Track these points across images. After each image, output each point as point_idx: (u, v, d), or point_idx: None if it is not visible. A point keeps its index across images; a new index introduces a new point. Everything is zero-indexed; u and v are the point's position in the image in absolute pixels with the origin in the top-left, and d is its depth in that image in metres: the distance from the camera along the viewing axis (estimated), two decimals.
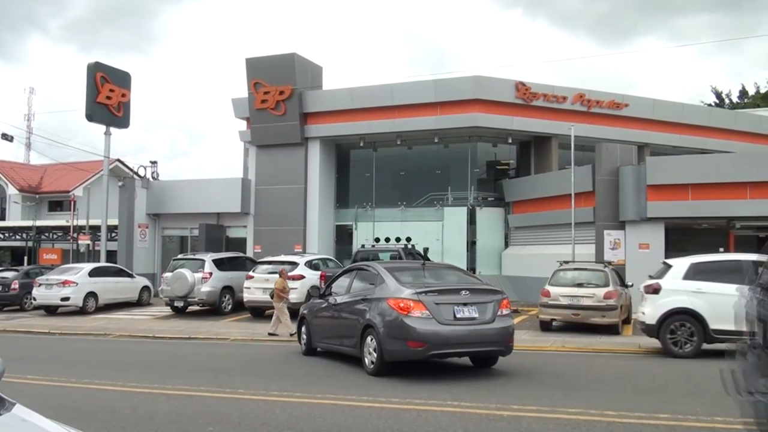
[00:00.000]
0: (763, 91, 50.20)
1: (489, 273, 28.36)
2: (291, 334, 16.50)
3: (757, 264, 13.76)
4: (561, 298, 17.38)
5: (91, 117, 29.38)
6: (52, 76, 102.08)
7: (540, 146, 29.44)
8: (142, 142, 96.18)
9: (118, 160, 42.07)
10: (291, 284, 20.95)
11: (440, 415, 8.14)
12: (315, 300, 14.00)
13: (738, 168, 21.91)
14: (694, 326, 13.25)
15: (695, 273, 13.63)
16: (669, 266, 14.37)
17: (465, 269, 16.31)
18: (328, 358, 12.90)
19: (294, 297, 21.00)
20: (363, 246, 24.11)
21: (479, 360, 11.91)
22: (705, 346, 13.37)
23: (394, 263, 15.71)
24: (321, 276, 20.25)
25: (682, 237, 22.42)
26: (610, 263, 19.86)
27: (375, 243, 23.33)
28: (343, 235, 31.17)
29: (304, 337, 13.86)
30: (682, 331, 13.34)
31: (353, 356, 11.96)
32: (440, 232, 28.97)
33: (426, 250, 24.11)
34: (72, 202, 37.46)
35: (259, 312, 21.64)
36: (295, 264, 21.78)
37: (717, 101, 51.51)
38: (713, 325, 13.09)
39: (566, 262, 19.48)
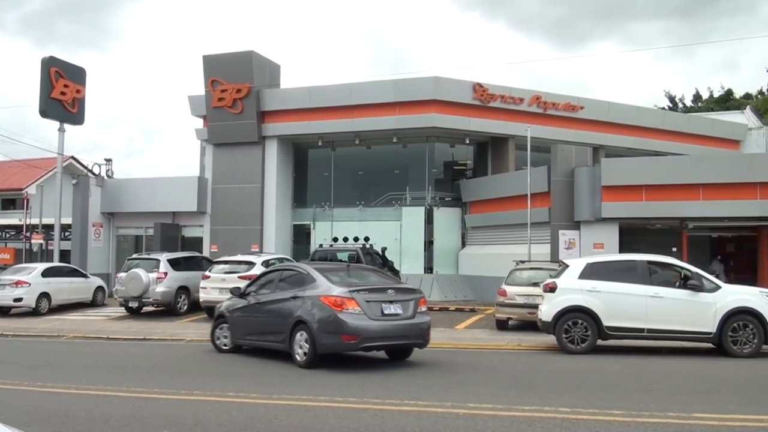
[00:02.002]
0: (716, 95, 51.21)
1: (446, 272, 28.56)
2: None
3: (650, 264, 14.27)
4: (517, 297, 17.57)
5: (44, 113, 28.77)
6: (5, 70, 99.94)
7: (497, 147, 29.67)
8: (98, 140, 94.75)
9: (73, 158, 41.28)
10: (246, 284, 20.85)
11: (397, 414, 8.16)
12: (235, 299, 14.21)
13: (691, 170, 22.33)
14: (589, 323, 13.72)
15: (591, 273, 14.11)
16: (567, 266, 14.74)
17: (382, 270, 16.58)
18: (257, 356, 12.85)
19: None
20: (321, 246, 24.05)
21: (395, 353, 12.78)
22: (600, 342, 13.85)
23: (321, 264, 15.97)
24: None
25: (635, 237, 22.78)
26: (564, 263, 20.09)
27: (333, 243, 23.31)
28: (301, 235, 31.04)
29: (227, 334, 14.05)
30: (578, 328, 13.75)
31: (281, 351, 12.46)
32: (398, 231, 29.03)
33: (384, 249, 24.15)
34: (25, 201, 36.69)
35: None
36: (251, 264, 21.61)
37: (670, 105, 52.42)
38: (607, 322, 13.64)
39: (522, 262, 19.68)
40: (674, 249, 21.87)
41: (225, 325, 14.09)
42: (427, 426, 7.54)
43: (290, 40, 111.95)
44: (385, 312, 11.66)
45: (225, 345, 14.06)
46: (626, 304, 13.68)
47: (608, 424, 7.57)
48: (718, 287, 13.64)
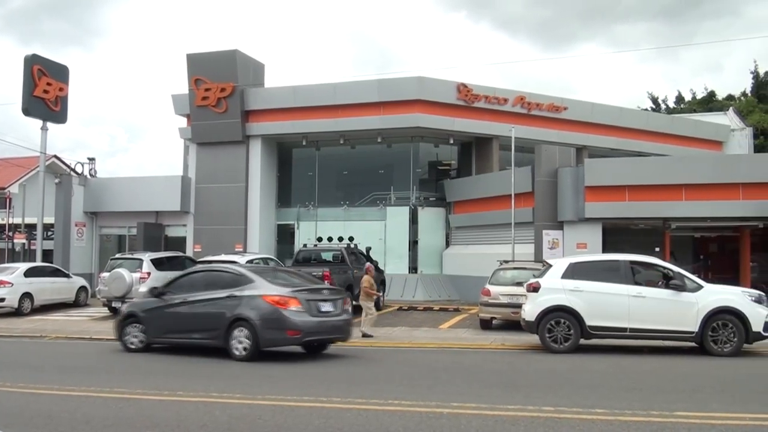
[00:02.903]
0: (699, 97, 51.50)
1: (430, 272, 28.59)
2: (364, 335, 16.33)
3: (633, 264, 14.40)
4: (501, 297, 17.63)
5: (27, 111, 28.49)
6: None
7: (481, 147, 29.73)
8: (81, 138, 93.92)
9: (55, 156, 40.93)
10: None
11: (381, 414, 8.17)
12: (148, 299, 14.61)
13: (674, 170, 22.46)
14: (571, 323, 13.85)
15: (574, 272, 14.25)
16: (550, 266, 14.84)
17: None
18: (181, 354, 12.84)
19: None
20: (305, 245, 23.99)
21: (312, 348, 13.76)
22: (583, 342, 13.98)
23: (250, 266, 16.45)
24: None
25: (619, 237, 22.89)
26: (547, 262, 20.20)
27: (317, 242, 23.24)
28: (285, 235, 30.98)
29: (138, 333, 14.26)
30: (561, 328, 13.86)
31: (210, 347, 13.21)
32: (383, 231, 29.04)
33: (368, 249, 24.14)
34: (7, 200, 36.37)
35: None
36: (235, 263, 21.54)
37: (653, 106, 52.66)
38: (590, 321, 13.78)
39: (506, 262, 19.75)
40: (657, 249, 22.01)
41: (136, 324, 14.30)
42: (411, 425, 7.54)
43: (275, 39, 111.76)
44: (321, 310, 13.04)
45: (134, 344, 14.28)
46: (609, 303, 13.77)
47: (592, 423, 7.60)
48: (700, 287, 13.76)
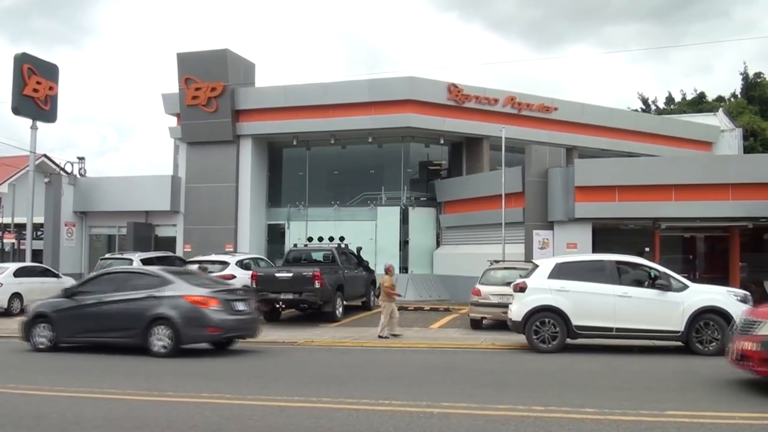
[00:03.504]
0: (689, 98, 51.71)
1: (421, 272, 28.60)
2: (380, 336, 16.33)
3: (619, 264, 14.47)
4: (491, 297, 17.66)
5: (17, 110, 28.35)
6: None
7: (471, 147, 29.76)
8: (71, 138, 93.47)
9: (45, 156, 40.73)
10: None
11: (371, 413, 8.16)
12: (59, 299, 14.97)
13: (664, 171, 22.53)
14: (558, 323, 13.93)
15: (560, 273, 14.32)
16: (537, 266, 14.90)
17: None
18: (99, 352, 12.82)
19: None
20: (295, 245, 23.95)
21: (219, 344, 14.58)
22: (571, 342, 14.07)
23: (167, 268, 16.62)
24: (252, 275, 20.03)
25: (608, 237, 22.95)
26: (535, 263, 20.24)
27: (308, 242, 23.21)
28: (276, 235, 30.93)
29: (47, 333, 14.57)
30: (547, 328, 13.94)
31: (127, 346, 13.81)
32: (373, 231, 29.03)
33: (359, 249, 24.13)
34: None
35: None
36: (225, 264, 21.54)
37: (643, 107, 52.84)
38: (576, 321, 13.85)
39: (496, 262, 19.78)
40: (647, 249, 22.08)
41: (45, 324, 14.59)
42: (401, 425, 7.54)
43: (265, 38, 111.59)
44: (237, 309, 14.00)
45: (42, 344, 14.54)
46: (595, 303, 13.83)
47: (581, 423, 7.62)
48: (686, 287, 13.85)
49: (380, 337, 16.32)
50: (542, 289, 14.15)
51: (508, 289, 16.99)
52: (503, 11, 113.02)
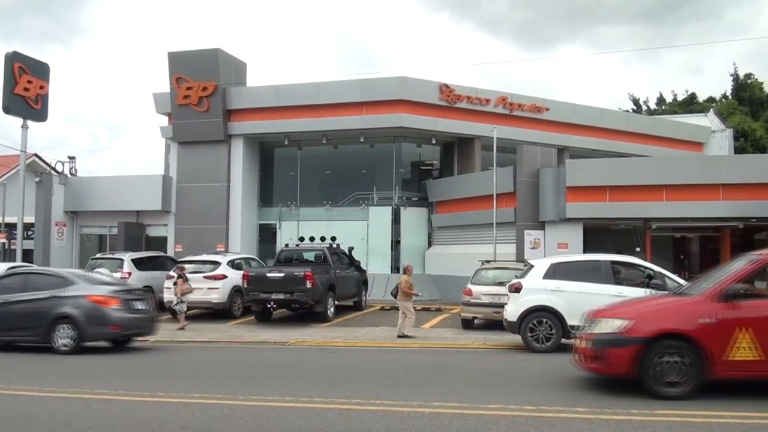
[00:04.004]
0: (680, 98, 51.92)
1: (413, 272, 28.52)
2: (399, 336, 16.25)
3: (614, 264, 14.46)
4: (483, 297, 17.66)
5: (7, 109, 28.17)
6: None
7: (463, 147, 29.79)
8: (61, 137, 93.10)
9: (36, 155, 40.53)
10: (212, 284, 20.69)
11: (363, 413, 8.16)
12: None
13: (654, 171, 22.60)
14: (553, 322, 13.98)
15: (555, 273, 14.37)
16: (532, 266, 14.93)
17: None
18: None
19: (215, 297, 20.76)
20: (287, 245, 23.92)
21: (117, 342, 15.22)
22: (564, 341, 13.95)
23: (71, 269, 17.82)
24: (243, 276, 20.00)
25: (599, 237, 23.02)
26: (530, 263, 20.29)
27: (299, 242, 23.20)
28: (267, 235, 30.90)
29: None
30: (542, 328, 14.00)
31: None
32: (365, 231, 29.03)
33: (351, 249, 24.12)
34: None
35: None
36: (217, 264, 21.49)
37: (634, 108, 53.03)
38: (571, 321, 13.78)
39: (488, 262, 19.79)
40: (638, 249, 22.14)
41: None
42: (392, 425, 7.54)
43: (257, 38, 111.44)
44: (135, 308, 14.72)
45: None
46: (589, 303, 13.79)
47: (572, 422, 7.64)
48: (681, 287, 13.81)
49: (400, 336, 16.24)
50: (537, 289, 14.18)
51: (500, 289, 17.04)
52: (495, 11, 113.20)
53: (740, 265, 9.72)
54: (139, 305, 14.91)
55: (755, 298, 9.33)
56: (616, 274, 14.27)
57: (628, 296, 13.69)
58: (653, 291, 13.72)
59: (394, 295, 17.33)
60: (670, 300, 10.24)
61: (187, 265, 21.43)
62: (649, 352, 8.95)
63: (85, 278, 15.24)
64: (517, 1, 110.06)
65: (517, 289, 14.42)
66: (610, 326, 9.44)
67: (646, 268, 14.52)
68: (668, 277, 14.03)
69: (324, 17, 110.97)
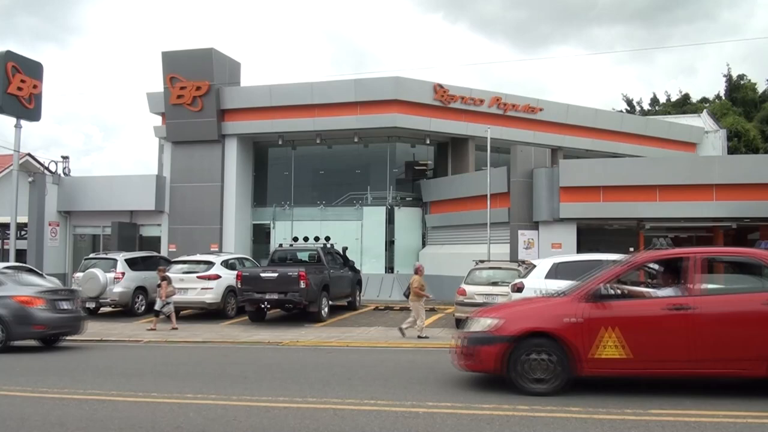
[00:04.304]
0: (673, 99, 52.09)
1: (407, 272, 28.53)
2: (419, 337, 16.23)
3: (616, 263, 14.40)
4: (476, 297, 17.64)
5: (0, 108, 28.12)
6: None
7: (457, 148, 29.83)
8: (55, 136, 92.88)
9: (29, 155, 40.42)
10: (206, 284, 20.67)
11: (357, 413, 8.16)
12: None
13: (648, 171, 22.66)
14: None
15: (557, 272, 14.31)
16: (534, 266, 14.88)
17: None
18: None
19: (209, 297, 20.73)
20: (281, 245, 23.91)
21: (46, 340, 15.64)
22: None
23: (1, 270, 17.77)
24: (237, 276, 19.98)
25: (593, 237, 23.06)
26: (524, 262, 20.31)
27: (293, 242, 23.18)
28: (261, 235, 30.87)
29: None
30: None
31: None
32: (359, 231, 29.03)
33: (345, 249, 24.12)
34: None
35: (174, 313, 21.21)
36: (210, 264, 21.46)
37: (628, 108, 53.18)
38: None
39: (482, 261, 19.79)
40: (632, 249, 22.17)
41: None
42: (386, 425, 7.54)
43: (251, 38, 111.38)
44: (61, 308, 15.05)
45: None
46: None
47: (566, 421, 7.65)
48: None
49: (419, 337, 16.21)
50: (539, 289, 14.11)
51: (494, 289, 17.06)
52: (489, 12, 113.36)
53: (614, 265, 10.05)
54: (65, 305, 15.24)
55: (624, 299, 9.66)
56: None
57: None
58: (656, 290, 13.63)
59: (407, 296, 17.29)
60: (545, 300, 10.50)
61: (180, 265, 21.42)
62: (516, 350, 9.21)
63: (13, 279, 15.79)
64: (511, 1, 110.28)
65: (519, 289, 14.40)
66: (481, 325, 9.74)
67: (649, 267, 14.45)
68: None
69: (318, 17, 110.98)
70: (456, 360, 10.05)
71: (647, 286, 10.61)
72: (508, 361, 9.22)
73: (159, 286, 19.18)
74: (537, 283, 14.23)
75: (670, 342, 9.03)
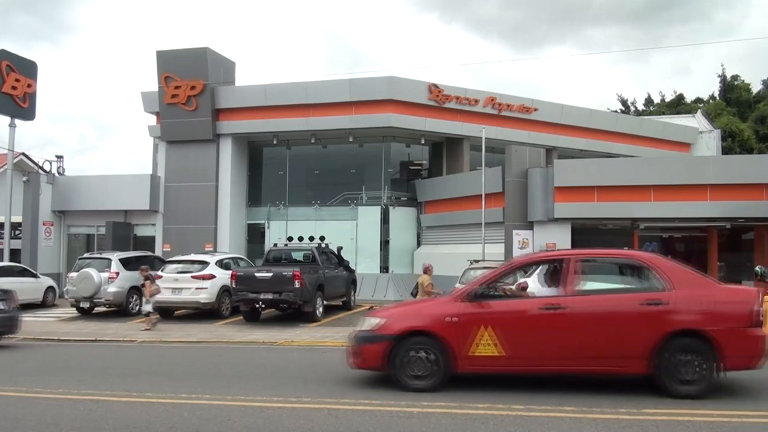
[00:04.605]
0: (668, 99, 52.18)
1: (401, 272, 28.60)
2: None
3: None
4: None
5: None
6: None
7: (452, 147, 29.83)
8: (50, 136, 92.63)
9: (23, 154, 40.30)
10: (201, 284, 20.62)
11: (351, 413, 8.16)
12: None
13: (642, 172, 22.72)
14: None
15: None
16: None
17: None
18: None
19: (204, 297, 20.68)
20: (275, 245, 23.87)
21: None
22: None
23: None
24: (232, 275, 19.94)
25: (588, 237, 23.09)
26: None
27: (288, 242, 23.14)
28: (256, 234, 30.83)
29: None
30: None
31: None
32: (354, 231, 29.00)
33: (340, 249, 24.09)
34: None
35: (168, 313, 21.19)
36: (205, 263, 21.40)
37: (623, 108, 53.27)
38: None
39: (476, 261, 19.80)
40: (625, 248, 22.20)
41: None
42: (381, 425, 7.55)
43: (246, 37, 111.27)
44: None
45: None
46: None
47: (560, 421, 7.67)
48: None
49: None
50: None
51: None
52: (484, 12, 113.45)
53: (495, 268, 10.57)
54: (2, 305, 15.57)
55: (502, 299, 10.05)
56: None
57: None
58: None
59: (414, 295, 17.25)
60: (429, 301, 11.29)
61: (174, 265, 21.39)
62: (397, 348, 9.56)
63: None
64: (507, 1, 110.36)
65: (523, 288, 14.36)
66: (368, 324, 10.08)
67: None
68: None
69: (313, 17, 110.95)
70: (347, 359, 10.29)
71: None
72: (390, 359, 9.60)
73: (142, 285, 19.19)
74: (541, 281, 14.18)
75: (543, 340, 9.38)
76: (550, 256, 10.90)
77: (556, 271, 10.23)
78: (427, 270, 17.45)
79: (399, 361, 9.53)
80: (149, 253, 25.65)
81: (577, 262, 9.79)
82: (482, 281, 10.06)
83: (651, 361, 8.96)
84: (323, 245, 22.70)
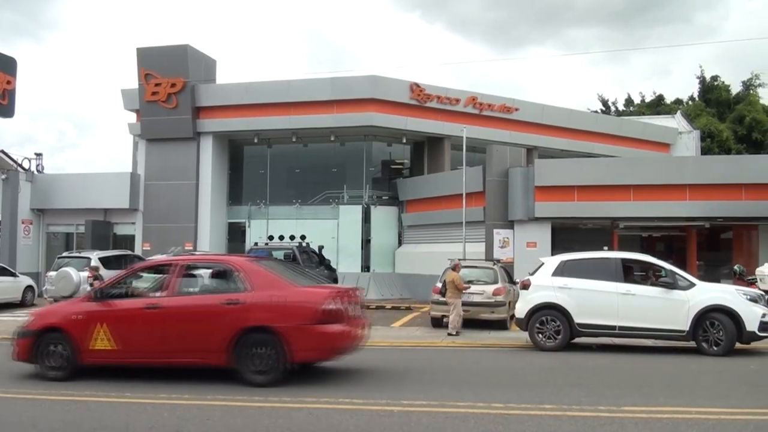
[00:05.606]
0: (648, 100, 52.48)
1: (383, 271, 28.61)
2: (449, 334, 16.06)
3: (624, 261, 14.49)
4: None
5: None
6: None
7: (433, 147, 29.86)
8: (29, 133, 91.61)
9: (2, 151, 39.89)
10: None
11: (332, 412, 8.15)
12: None
13: (622, 171, 22.85)
14: (560, 320, 13.82)
15: (564, 270, 14.26)
16: (543, 264, 14.94)
17: None
18: None
19: None
20: (256, 244, 23.80)
21: None
22: (576, 339, 13.98)
23: None
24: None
25: (568, 236, 23.20)
26: (499, 261, 20.42)
27: (268, 241, 23.08)
28: (236, 233, 30.68)
29: None
30: (551, 325, 13.87)
31: None
32: (335, 230, 28.95)
33: (321, 248, 24.07)
34: None
35: None
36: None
37: (603, 108, 53.50)
38: (578, 319, 13.72)
39: (459, 260, 19.80)
40: (605, 248, 22.34)
41: None
42: (361, 424, 7.55)
43: (228, 35, 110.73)
44: None
45: None
46: (597, 301, 13.65)
47: (540, 419, 7.70)
48: (692, 284, 13.54)
49: (450, 335, 16.08)
50: (545, 286, 14.10)
51: (469, 287, 17.08)
52: (466, 12, 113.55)
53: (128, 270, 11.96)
54: None
55: (126, 298, 10.95)
56: (626, 272, 14.05)
57: (636, 294, 13.63)
58: (664, 289, 13.61)
59: (443, 293, 17.06)
60: (74, 300, 13.02)
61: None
62: (39, 342, 10.76)
63: None
64: (489, 2, 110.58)
65: (525, 285, 14.42)
66: (25, 321, 11.23)
67: (656, 265, 14.43)
68: (679, 275, 13.73)
69: (295, 15, 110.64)
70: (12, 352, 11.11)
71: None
72: (35, 351, 10.74)
73: (91, 285, 18.94)
74: (544, 280, 14.24)
75: (146, 335, 10.47)
76: (163, 261, 12.36)
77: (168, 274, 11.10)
78: (456, 267, 17.29)
79: (40, 353, 10.67)
80: (129, 252, 25.48)
81: (182, 267, 10.94)
82: (108, 282, 11.43)
83: (230, 354, 9.94)
84: (304, 244, 22.66)
